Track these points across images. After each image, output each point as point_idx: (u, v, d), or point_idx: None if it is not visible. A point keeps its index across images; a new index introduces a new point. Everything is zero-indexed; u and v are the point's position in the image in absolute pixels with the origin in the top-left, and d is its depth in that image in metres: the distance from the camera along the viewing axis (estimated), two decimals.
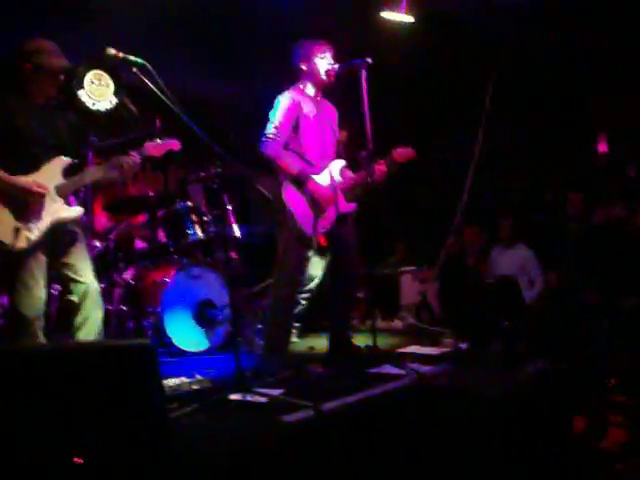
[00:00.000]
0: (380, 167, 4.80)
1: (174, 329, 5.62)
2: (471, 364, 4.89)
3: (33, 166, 4.12)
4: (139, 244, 6.53)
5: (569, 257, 6.65)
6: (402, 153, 4.89)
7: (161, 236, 6.31)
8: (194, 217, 6.06)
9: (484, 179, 8.01)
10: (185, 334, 5.69)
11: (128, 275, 5.98)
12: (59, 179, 4.20)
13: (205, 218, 6.12)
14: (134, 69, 3.99)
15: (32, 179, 4.07)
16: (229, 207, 5.96)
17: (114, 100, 7.33)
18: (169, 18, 6.34)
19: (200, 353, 5.68)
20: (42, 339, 4.15)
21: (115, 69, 7.10)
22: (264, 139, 4.69)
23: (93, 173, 4.36)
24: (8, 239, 3.97)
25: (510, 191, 8.82)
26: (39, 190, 4.04)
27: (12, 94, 4.19)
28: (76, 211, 4.26)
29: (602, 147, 8.24)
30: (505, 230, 7.15)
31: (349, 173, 4.92)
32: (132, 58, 3.99)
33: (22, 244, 4.00)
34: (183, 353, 5.60)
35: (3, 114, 4.09)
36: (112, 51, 4.00)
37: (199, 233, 6.03)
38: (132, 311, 5.81)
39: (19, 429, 2.32)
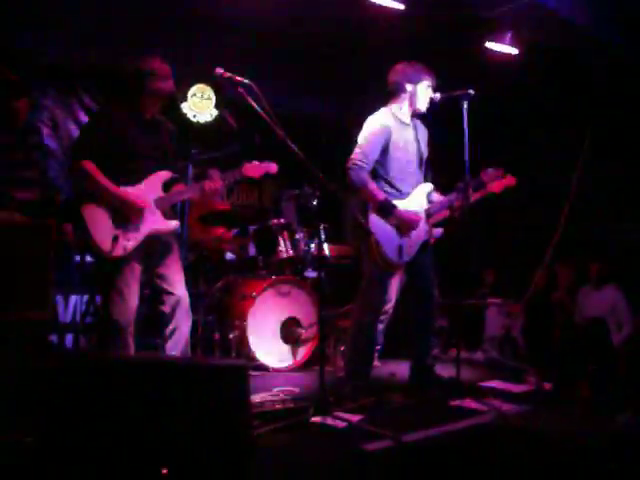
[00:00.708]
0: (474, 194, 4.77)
1: (258, 344, 5.69)
2: (555, 406, 4.77)
3: (137, 178, 4.27)
4: (229, 256, 6.65)
5: None
6: (491, 175, 4.87)
7: (252, 250, 6.41)
8: (286, 234, 6.14)
9: (582, 214, 7.83)
10: (269, 349, 5.76)
11: (217, 287, 6.08)
12: (159, 192, 4.34)
13: (297, 236, 6.20)
14: (240, 89, 4.07)
15: (135, 191, 4.21)
16: (322, 226, 6.01)
17: (214, 113, 7.48)
18: (273, 37, 6.44)
19: (283, 369, 5.74)
20: (133, 346, 4.27)
21: (218, 84, 7.24)
22: (351, 165, 4.66)
23: (181, 193, 4.51)
24: (106, 246, 4.11)
25: (603, 229, 8.58)
26: (140, 204, 4.17)
27: (122, 108, 4.35)
28: (173, 224, 4.38)
29: None
30: (594, 273, 6.99)
31: (437, 196, 4.88)
32: (238, 78, 4.07)
33: (119, 252, 4.14)
34: (266, 368, 5.66)
35: (112, 128, 4.24)
36: (220, 71, 4.09)
37: (290, 250, 6.11)
38: (218, 322, 5.90)
39: (109, 440, 2.39)
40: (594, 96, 7.47)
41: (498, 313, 7.40)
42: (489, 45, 6.26)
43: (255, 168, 4.52)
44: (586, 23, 6.00)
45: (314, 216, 6.02)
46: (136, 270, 4.26)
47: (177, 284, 4.38)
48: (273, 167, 4.56)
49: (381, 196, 4.66)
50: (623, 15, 6.30)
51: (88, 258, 5.49)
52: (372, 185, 4.67)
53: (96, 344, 5.49)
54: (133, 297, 4.23)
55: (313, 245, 6.22)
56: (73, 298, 6.57)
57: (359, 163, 4.65)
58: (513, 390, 5.11)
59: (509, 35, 6.08)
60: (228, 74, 4.05)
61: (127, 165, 4.26)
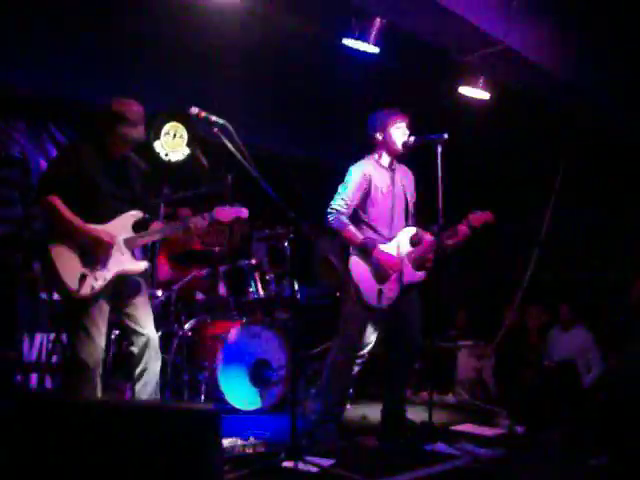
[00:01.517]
0: (463, 227, 4.71)
1: (228, 386, 5.62)
2: (528, 450, 4.75)
3: (105, 218, 4.20)
4: (199, 296, 6.59)
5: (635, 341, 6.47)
6: (479, 217, 4.82)
7: (222, 291, 6.36)
8: (256, 275, 6.10)
9: (550, 257, 7.92)
10: (239, 392, 5.67)
11: (187, 327, 6.00)
12: (129, 232, 4.28)
13: (267, 277, 6.17)
14: (215, 129, 4.05)
15: (104, 229, 4.15)
16: (292, 267, 5.98)
17: (186, 151, 7.46)
18: (250, 79, 6.47)
19: (252, 412, 5.66)
20: (100, 387, 4.19)
21: (191, 122, 7.23)
22: (330, 211, 4.71)
23: (161, 231, 4.46)
24: (73, 284, 4.04)
25: (572, 271, 8.67)
26: (108, 240, 4.11)
27: (92, 146, 4.30)
28: (142, 265, 4.32)
29: None
30: (564, 314, 7.03)
31: (427, 237, 4.86)
32: (214, 118, 4.06)
33: (86, 291, 4.06)
34: (235, 411, 5.57)
35: (80, 165, 4.19)
36: (195, 110, 4.08)
37: (260, 291, 6.07)
38: (188, 363, 5.82)
39: None
40: (564, 141, 7.60)
41: (469, 355, 7.39)
42: (462, 90, 6.33)
43: (226, 212, 4.48)
44: (555, 68, 6.09)
45: (285, 257, 6.00)
46: (104, 309, 4.18)
47: (146, 324, 4.31)
48: (244, 212, 4.52)
49: (360, 237, 4.68)
50: (592, 59, 6.43)
51: (55, 296, 5.40)
52: (351, 227, 4.70)
53: (62, 384, 5.38)
54: (101, 337, 4.15)
55: (284, 286, 6.18)
56: (38, 336, 6.44)
57: (338, 208, 4.70)
58: (486, 434, 5.10)
59: (481, 80, 6.16)
60: (204, 113, 4.04)
61: (95, 204, 4.19)
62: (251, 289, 6.08)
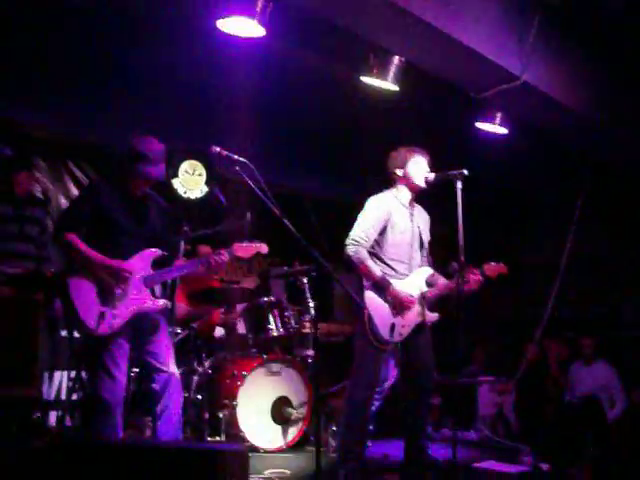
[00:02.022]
0: (475, 276, 4.75)
1: (248, 423, 5.58)
2: None
3: (124, 255, 4.22)
4: (219, 334, 6.58)
5: None
6: (493, 268, 4.85)
7: (241, 328, 6.35)
8: (276, 312, 6.10)
9: (568, 290, 7.87)
10: (259, 429, 5.64)
11: (207, 365, 5.99)
12: (148, 270, 4.29)
13: (286, 313, 6.15)
14: (236, 167, 4.08)
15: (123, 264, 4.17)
16: (312, 304, 5.97)
17: (205, 189, 7.50)
18: (268, 114, 6.53)
19: (273, 450, 5.62)
20: (121, 425, 4.17)
21: (210, 160, 7.28)
22: (350, 242, 4.69)
23: (181, 268, 4.47)
24: (92, 323, 4.05)
25: (593, 304, 8.61)
26: (125, 269, 4.13)
27: (112, 185, 4.34)
28: (161, 303, 4.32)
29: None
30: (586, 348, 6.97)
31: (442, 280, 4.88)
32: (235, 157, 4.08)
33: (105, 330, 4.07)
34: (256, 449, 5.53)
35: (100, 203, 4.22)
36: (216, 149, 4.10)
37: (280, 328, 6.06)
38: (208, 401, 5.79)
39: None
40: (582, 175, 7.60)
41: (490, 391, 7.34)
42: (479, 125, 6.35)
43: (245, 248, 4.50)
44: (574, 105, 6.12)
45: (304, 294, 5.98)
46: (124, 347, 4.19)
47: (168, 361, 4.31)
48: (264, 248, 4.54)
49: (378, 273, 4.67)
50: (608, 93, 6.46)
51: (76, 334, 5.41)
52: (369, 262, 4.68)
53: (83, 423, 5.37)
54: (121, 375, 4.16)
55: (304, 323, 6.16)
56: (57, 374, 6.43)
57: (358, 240, 4.67)
58: (509, 471, 5.03)
59: (499, 115, 6.18)
60: (225, 152, 4.07)
61: (114, 242, 4.22)
62: (270, 326, 6.07)
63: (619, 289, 8.41)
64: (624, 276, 8.29)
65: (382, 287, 4.66)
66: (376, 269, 4.68)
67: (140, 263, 4.27)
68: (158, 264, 4.39)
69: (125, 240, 4.26)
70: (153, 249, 4.34)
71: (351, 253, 4.66)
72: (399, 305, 4.68)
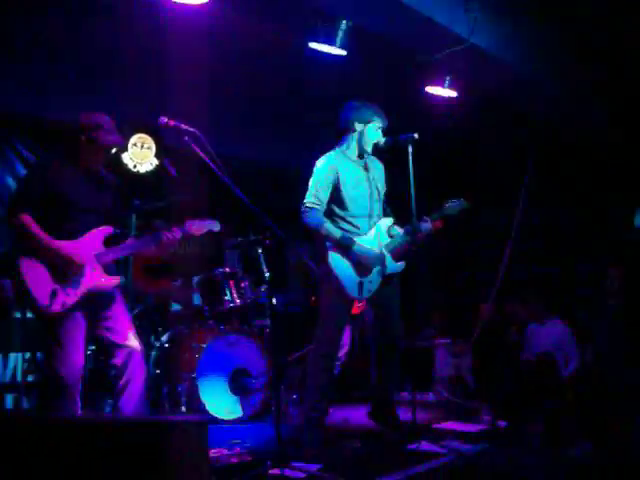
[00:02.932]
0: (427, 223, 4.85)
1: (208, 396, 5.56)
2: (511, 444, 4.77)
3: (77, 233, 4.16)
4: (175, 307, 6.54)
5: (608, 334, 6.53)
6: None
7: (197, 300, 6.31)
8: (232, 283, 6.07)
9: (523, 251, 7.97)
10: (219, 401, 5.62)
11: (164, 339, 5.95)
12: (100, 247, 4.23)
13: (242, 284, 6.12)
14: (185, 137, 4.03)
15: (74, 245, 4.10)
16: (267, 273, 5.95)
17: (155, 162, 7.40)
18: (217, 82, 6.45)
19: (234, 421, 5.61)
20: (79, 403, 4.13)
21: (159, 132, 7.18)
22: (304, 209, 4.71)
23: (133, 246, 4.42)
24: (44, 301, 3.99)
25: (544, 266, 8.73)
26: (78, 261, 4.07)
27: (63, 161, 4.26)
28: (114, 281, 4.27)
29: None
30: (536, 308, 7.06)
31: (399, 230, 4.89)
32: (184, 127, 4.04)
33: (57, 307, 4.01)
34: (217, 421, 5.52)
35: (52, 181, 4.15)
36: (164, 119, 4.05)
37: (236, 299, 6.03)
38: (167, 375, 5.76)
39: None
40: (531, 138, 7.66)
41: (447, 353, 7.42)
42: (429, 89, 6.36)
43: (198, 226, 4.47)
44: (520, 64, 6.16)
45: (259, 264, 5.96)
46: (80, 324, 4.13)
47: (128, 335, 4.26)
48: (215, 224, 4.51)
49: (338, 234, 4.68)
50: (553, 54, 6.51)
51: (29, 314, 5.33)
52: (327, 224, 4.69)
53: (40, 403, 5.30)
54: (78, 352, 4.10)
55: (259, 293, 6.15)
56: (12, 356, 6.34)
57: (310, 205, 4.69)
58: (469, 430, 5.10)
59: (448, 79, 6.20)
60: (173, 122, 4.02)
61: (66, 219, 4.16)
62: (226, 297, 6.04)
63: (571, 250, 8.54)
64: (576, 237, 8.42)
65: (345, 246, 4.67)
66: (334, 230, 4.69)
67: (92, 241, 4.21)
68: (111, 241, 4.33)
69: (78, 216, 4.20)
70: (106, 226, 4.28)
71: (307, 219, 4.68)
72: (364, 262, 4.70)
